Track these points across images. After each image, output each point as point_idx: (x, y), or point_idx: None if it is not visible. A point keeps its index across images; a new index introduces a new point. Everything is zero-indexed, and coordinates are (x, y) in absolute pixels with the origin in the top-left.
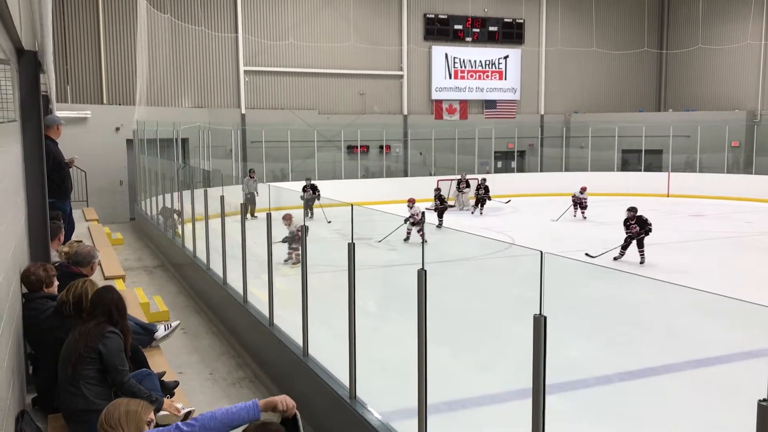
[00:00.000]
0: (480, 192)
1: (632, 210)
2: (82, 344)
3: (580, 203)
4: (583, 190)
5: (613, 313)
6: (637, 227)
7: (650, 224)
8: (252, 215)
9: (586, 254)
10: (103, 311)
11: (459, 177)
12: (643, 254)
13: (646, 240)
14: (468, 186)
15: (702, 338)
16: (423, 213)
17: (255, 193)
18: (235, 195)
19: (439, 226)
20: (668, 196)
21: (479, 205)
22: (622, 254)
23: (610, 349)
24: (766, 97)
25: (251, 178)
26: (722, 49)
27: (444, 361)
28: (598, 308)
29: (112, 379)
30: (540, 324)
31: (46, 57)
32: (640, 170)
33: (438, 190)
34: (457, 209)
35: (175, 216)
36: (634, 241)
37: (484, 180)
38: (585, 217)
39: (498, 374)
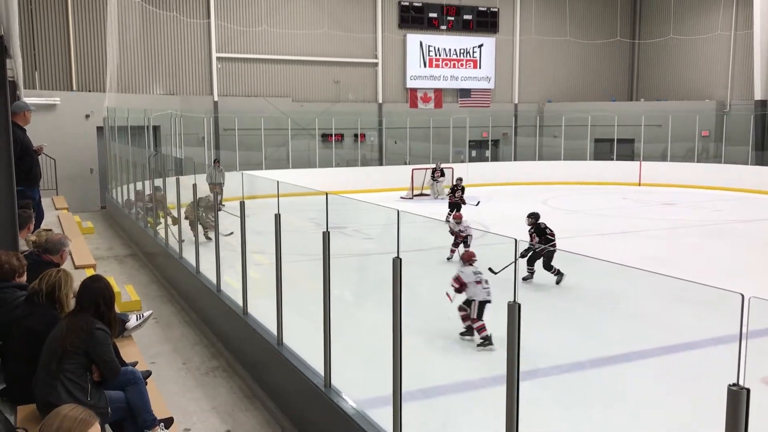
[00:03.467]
0: (457, 194)
1: (532, 216)
2: (69, 340)
3: (463, 240)
4: (458, 219)
5: (585, 300)
6: (536, 237)
7: (552, 235)
8: (220, 205)
9: (489, 269)
10: (90, 303)
11: (434, 166)
12: (556, 271)
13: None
14: (443, 175)
15: (672, 324)
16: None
17: (221, 183)
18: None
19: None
20: (640, 185)
21: (454, 209)
22: (530, 272)
23: (582, 336)
24: (736, 87)
25: (216, 167)
26: (693, 39)
27: (420, 349)
28: (571, 295)
29: (104, 375)
30: (514, 311)
31: (13, 41)
32: (612, 159)
33: (461, 179)
34: (431, 198)
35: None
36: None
37: (460, 180)
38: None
39: (473, 361)
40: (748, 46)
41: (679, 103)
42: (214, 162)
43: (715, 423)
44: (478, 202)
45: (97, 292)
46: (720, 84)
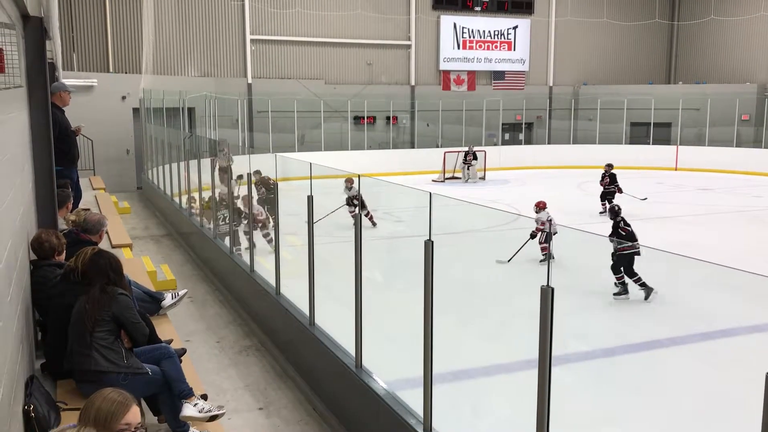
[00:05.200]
0: (605, 181)
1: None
2: (97, 310)
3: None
4: (540, 206)
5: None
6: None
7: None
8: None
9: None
10: (101, 276)
11: (466, 149)
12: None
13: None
14: (475, 158)
15: (707, 311)
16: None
17: (227, 167)
18: (241, 165)
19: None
20: (676, 169)
21: (608, 200)
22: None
23: (615, 322)
24: None
25: (221, 151)
26: (734, 20)
27: (450, 332)
28: (605, 280)
29: (135, 338)
30: (547, 295)
31: (52, 23)
32: (648, 143)
33: (610, 166)
34: (462, 181)
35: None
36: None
37: (610, 166)
38: (547, 256)
39: (504, 345)
40: None
41: (719, 86)
42: (218, 144)
43: (751, 411)
44: (645, 198)
45: (103, 266)
46: (762, 66)
